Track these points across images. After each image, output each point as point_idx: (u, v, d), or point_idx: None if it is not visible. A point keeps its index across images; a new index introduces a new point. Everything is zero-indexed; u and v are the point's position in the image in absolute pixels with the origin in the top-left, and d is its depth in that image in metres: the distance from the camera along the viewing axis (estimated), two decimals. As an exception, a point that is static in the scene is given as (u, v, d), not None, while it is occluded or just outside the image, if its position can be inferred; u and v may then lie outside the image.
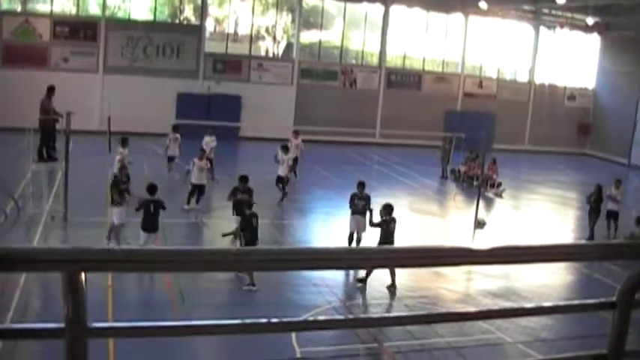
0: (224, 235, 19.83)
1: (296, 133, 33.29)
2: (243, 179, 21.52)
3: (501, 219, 29.12)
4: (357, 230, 21.39)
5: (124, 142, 26.37)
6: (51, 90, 28.05)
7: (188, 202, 25.64)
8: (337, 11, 47.59)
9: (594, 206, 26.01)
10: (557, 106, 52.18)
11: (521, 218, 30.49)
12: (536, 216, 30.00)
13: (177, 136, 30.64)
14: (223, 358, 14.22)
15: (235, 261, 2.33)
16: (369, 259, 2.65)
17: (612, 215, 26.27)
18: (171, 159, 30.47)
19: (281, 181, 28.30)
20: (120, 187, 20.47)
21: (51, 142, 26.56)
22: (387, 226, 19.03)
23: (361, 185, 22.15)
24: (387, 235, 18.96)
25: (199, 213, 25.15)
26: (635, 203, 27.84)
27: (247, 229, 18.63)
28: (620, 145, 48.72)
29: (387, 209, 19.36)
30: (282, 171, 28.55)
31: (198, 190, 25.86)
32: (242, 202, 20.01)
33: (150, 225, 19.17)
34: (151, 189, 19.54)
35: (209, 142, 29.98)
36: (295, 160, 31.26)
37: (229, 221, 21.12)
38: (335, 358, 15.13)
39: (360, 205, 21.36)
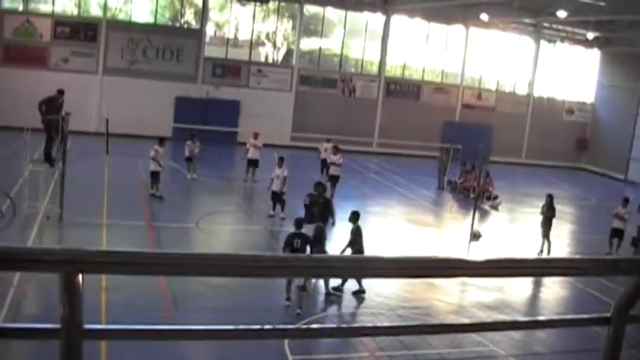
0: None
1: (328, 140, 34.35)
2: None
3: (497, 231, 29.14)
4: None
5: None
6: (62, 92, 28.27)
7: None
8: (338, 19, 47.66)
9: (546, 216, 25.93)
10: (556, 120, 52.27)
11: (516, 231, 30.53)
12: (531, 229, 29.99)
13: (257, 142, 32.02)
14: (215, 363, 14.20)
15: (234, 266, 2.33)
16: (363, 269, 2.65)
17: (617, 234, 26.10)
18: (250, 163, 31.82)
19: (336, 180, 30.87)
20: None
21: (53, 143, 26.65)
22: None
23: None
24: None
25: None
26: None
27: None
28: (618, 160, 48.77)
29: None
30: (336, 171, 31.10)
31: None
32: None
33: None
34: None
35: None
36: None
37: (225, 226, 21.07)
38: (327, 366, 15.13)
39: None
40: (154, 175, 27.16)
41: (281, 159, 26.68)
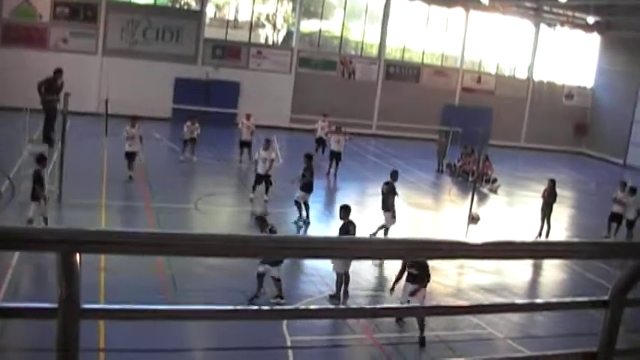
0: None
1: (324, 118, 36.03)
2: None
3: (495, 214, 29.15)
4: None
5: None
6: (60, 72, 28.11)
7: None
8: (338, 1, 47.51)
9: (547, 201, 26.00)
10: (555, 104, 52.16)
11: (515, 214, 30.53)
12: (530, 213, 30.01)
13: (250, 123, 32.16)
14: (213, 344, 14.23)
15: (231, 247, 2.33)
16: (362, 250, 2.65)
17: (616, 218, 26.11)
18: (243, 144, 32.12)
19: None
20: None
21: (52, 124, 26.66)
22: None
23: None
24: None
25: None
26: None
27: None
28: (617, 145, 48.73)
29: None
30: (338, 147, 32.12)
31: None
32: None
33: None
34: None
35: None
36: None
37: (223, 207, 21.02)
38: (325, 348, 15.17)
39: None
40: (128, 156, 26.50)
41: (267, 141, 26.09)
